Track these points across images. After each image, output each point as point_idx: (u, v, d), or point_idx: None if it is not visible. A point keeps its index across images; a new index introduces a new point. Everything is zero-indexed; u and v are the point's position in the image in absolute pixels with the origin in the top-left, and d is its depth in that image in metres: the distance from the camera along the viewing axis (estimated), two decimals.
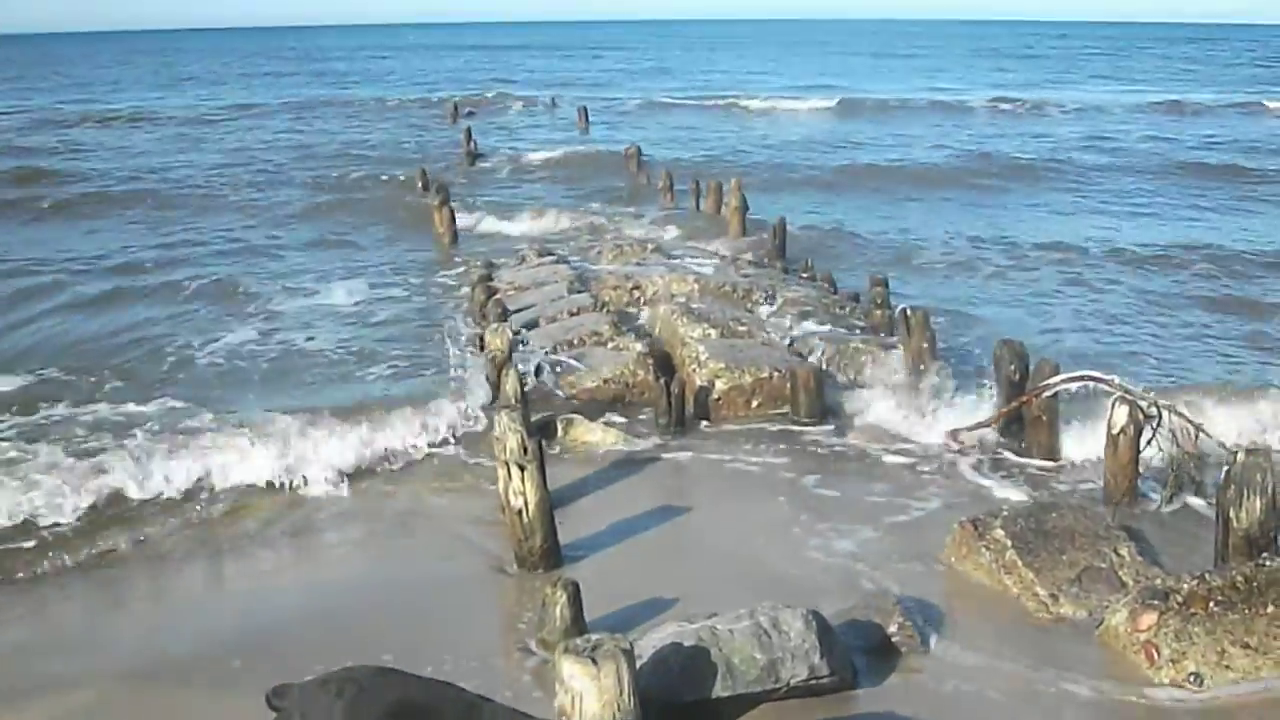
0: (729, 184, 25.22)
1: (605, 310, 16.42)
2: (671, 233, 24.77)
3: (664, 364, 14.28)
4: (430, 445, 12.61)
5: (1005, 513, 9.78)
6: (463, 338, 16.76)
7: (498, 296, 17.14)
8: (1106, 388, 11.46)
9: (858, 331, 15.97)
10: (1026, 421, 12.36)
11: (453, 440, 12.75)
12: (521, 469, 9.45)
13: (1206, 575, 8.25)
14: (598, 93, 67.47)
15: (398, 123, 52.51)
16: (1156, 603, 8.05)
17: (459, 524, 10.81)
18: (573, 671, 5.86)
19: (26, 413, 13.87)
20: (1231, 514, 9.13)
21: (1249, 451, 9.28)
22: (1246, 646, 7.75)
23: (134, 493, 11.12)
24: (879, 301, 16.47)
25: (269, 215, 29.38)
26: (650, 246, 21.54)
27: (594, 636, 6.14)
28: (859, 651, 7.98)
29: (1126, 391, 11.09)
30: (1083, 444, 12.07)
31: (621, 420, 13.38)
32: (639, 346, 14.66)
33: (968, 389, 13.43)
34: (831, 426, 13.15)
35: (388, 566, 10.12)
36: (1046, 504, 10.30)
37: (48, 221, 29.28)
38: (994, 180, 34.03)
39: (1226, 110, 54.98)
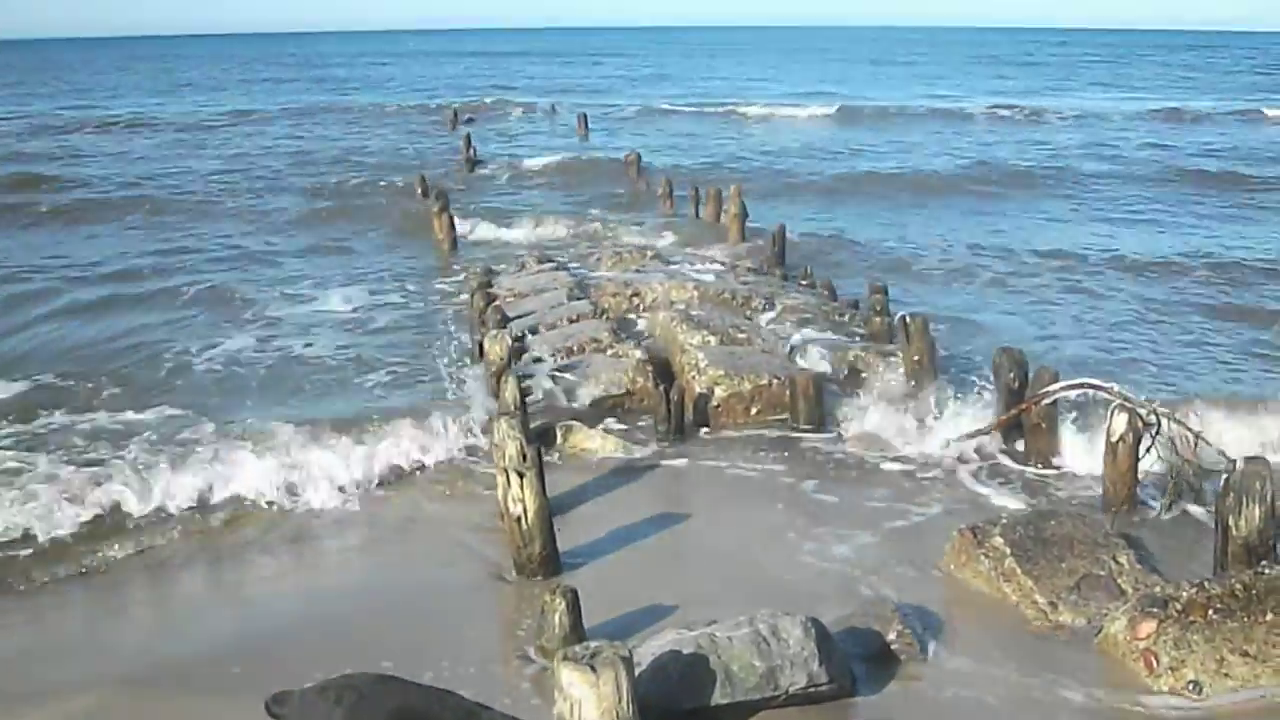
0: (728, 191, 25.27)
1: (605, 317, 16.42)
2: (671, 239, 24.80)
3: (663, 371, 14.28)
4: (431, 463, 12.48)
5: (1004, 520, 9.78)
6: (458, 344, 16.80)
7: (497, 303, 17.13)
8: (1105, 395, 11.46)
9: (857, 339, 15.97)
10: (1026, 429, 12.38)
11: (456, 452, 12.66)
12: (520, 476, 9.45)
13: (1205, 583, 8.26)
14: (597, 99, 67.52)
15: (397, 129, 52.53)
16: (1156, 610, 8.05)
17: (458, 531, 10.80)
18: (571, 679, 5.85)
19: (25, 420, 13.86)
20: (1231, 522, 9.13)
21: (1248, 459, 9.28)
22: (1245, 654, 7.74)
23: (134, 508, 11.04)
24: (878, 309, 16.47)
25: (267, 221, 29.41)
26: (650, 253, 21.55)
27: (593, 644, 6.14)
28: (858, 659, 7.97)
29: (1125, 399, 11.09)
30: (1082, 451, 12.06)
31: (621, 427, 13.37)
32: (638, 353, 14.66)
33: (967, 397, 13.44)
34: (831, 434, 13.14)
35: (387, 573, 10.12)
36: (1045, 511, 10.31)
37: (45, 227, 29.32)
38: (993, 188, 34.04)
39: (1226, 118, 55.03)
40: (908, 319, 14.30)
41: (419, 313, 19.45)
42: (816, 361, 14.81)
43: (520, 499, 9.46)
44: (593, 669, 5.85)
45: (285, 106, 63.71)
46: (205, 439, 12.71)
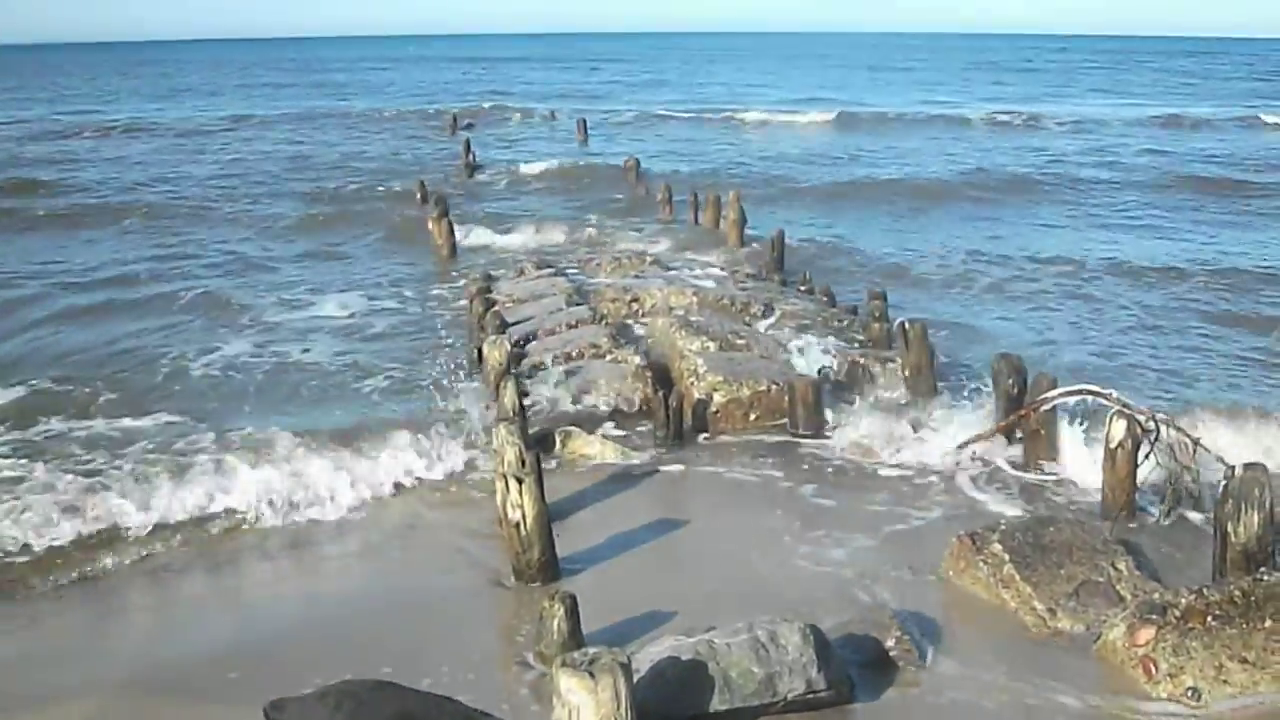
0: (727, 197, 25.29)
1: (604, 323, 16.43)
2: (670, 245, 24.80)
3: (662, 377, 14.28)
4: (431, 476, 12.30)
5: (1003, 526, 9.77)
6: (457, 350, 16.79)
7: (496, 309, 17.14)
8: (1104, 401, 11.47)
9: (856, 345, 15.97)
10: (1025, 435, 12.37)
11: (457, 466, 12.51)
12: (519, 482, 9.45)
13: (1204, 590, 8.25)
14: (596, 105, 67.66)
15: (396, 134, 52.58)
16: (1154, 617, 8.05)
17: (457, 536, 10.80)
18: (570, 685, 5.85)
19: (23, 427, 13.87)
20: (1229, 528, 9.14)
21: (1247, 466, 9.28)
22: (1244, 661, 7.74)
23: (134, 521, 10.93)
24: (877, 315, 16.47)
25: (265, 227, 29.43)
26: (649, 259, 21.59)
27: (591, 650, 6.13)
28: (856, 665, 7.97)
29: (1124, 405, 11.10)
30: (1081, 458, 12.05)
31: (619, 433, 13.37)
32: (637, 359, 14.67)
33: (966, 403, 13.43)
34: (829, 439, 13.13)
35: (386, 579, 10.11)
36: (1044, 518, 10.30)
37: (42, 231, 29.34)
38: (992, 194, 34.09)
39: (1224, 124, 55.10)
40: (907, 325, 14.31)
41: (418, 318, 19.45)
42: (815, 367, 14.79)
43: (519, 505, 9.46)
44: (591, 675, 5.85)
45: (284, 111, 63.76)
46: (204, 448, 12.70)
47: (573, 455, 12.73)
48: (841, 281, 21.12)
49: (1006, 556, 9.26)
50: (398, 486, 12.01)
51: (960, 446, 12.45)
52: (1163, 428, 11.02)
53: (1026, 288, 22.04)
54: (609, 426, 13.49)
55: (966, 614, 9.03)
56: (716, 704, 7.12)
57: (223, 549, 10.75)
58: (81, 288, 22.35)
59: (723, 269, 21.35)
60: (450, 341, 17.64)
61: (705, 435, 13.37)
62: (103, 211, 31.54)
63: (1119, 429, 10.77)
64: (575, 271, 20.67)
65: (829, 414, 13.42)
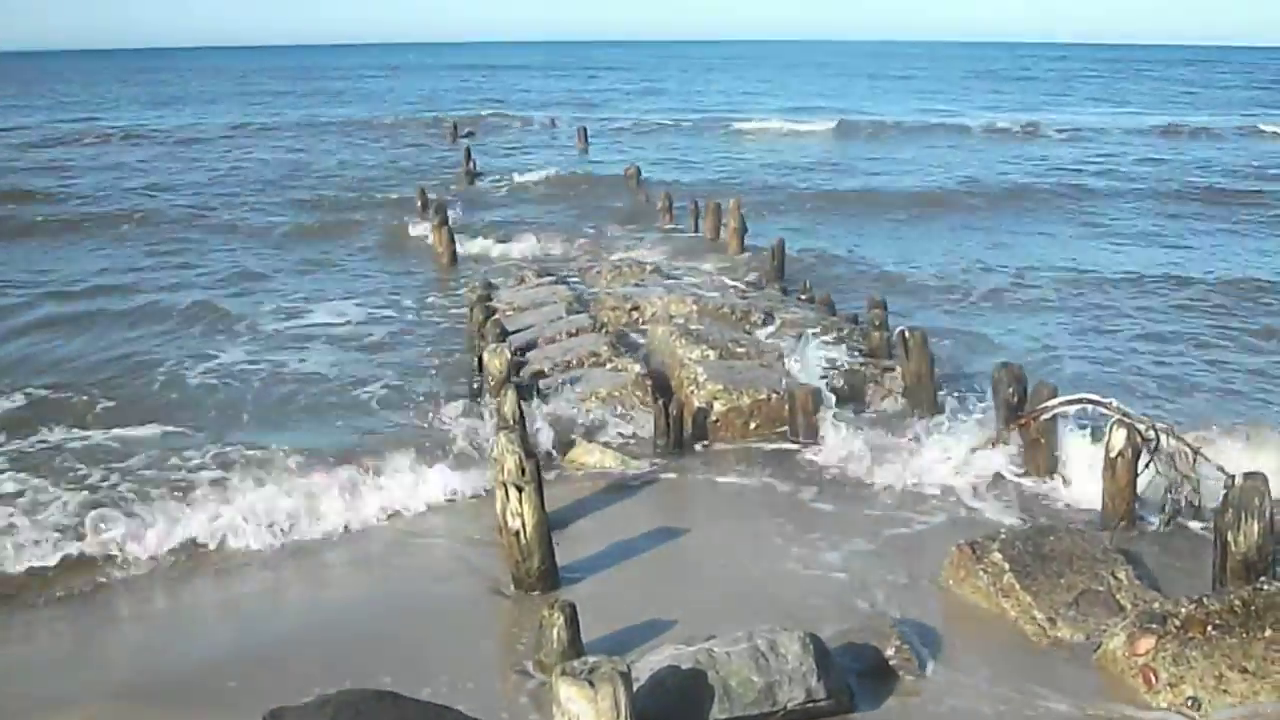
0: (728, 205, 25.31)
1: (604, 331, 16.43)
2: (670, 253, 24.83)
3: (662, 385, 14.28)
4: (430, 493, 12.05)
5: (1003, 535, 9.76)
6: (457, 358, 16.79)
7: (496, 317, 17.15)
8: (1104, 410, 11.46)
9: (857, 354, 15.96)
10: (1025, 444, 12.36)
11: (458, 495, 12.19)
12: (519, 490, 9.44)
13: (1204, 599, 8.25)
14: (597, 113, 67.78)
15: (396, 142, 52.71)
16: (1154, 626, 8.04)
17: (456, 545, 10.79)
18: (569, 694, 5.84)
19: (20, 436, 13.85)
20: (1229, 538, 9.13)
21: (1247, 475, 9.28)
22: (1244, 671, 7.73)
23: (136, 554, 10.69)
24: (877, 323, 16.46)
25: (264, 234, 29.45)
26: (649, 267, 21.60)
27: (591, 659, 6.12)
28: (856, 674, 7.96)
29: (1124, 414, 11.09)
30: (1081, 467, 12.04)
31: (619, 441, 13.35)
32: (637, 367, 14.67)
33: (966, 412, 13.42)
34: (829, 449, 13.11)
35: (385, 587, 10.10)
36: (1044, 527, 10.30)
37: (38, 239, 29.36)
38: (992, 203, 34.14)
39: (1224, 133, 55.18)
40: (907, 333, 14.30)
41: (417, 327, 19.45)
42: (815, 376, 14.78)
43: (519, 513, 9.45)
44: (591, 684, 5.84)
45: (283, 119, 63.85)
46: (203, 464, 12.69)
47: (573, 463, 12.73)
48: (842, 290, 21.13)
49: (1006, 565, 9.25)
50: (394, 511, 11.79)
51: (974, 450, 12.40)
52: (1163, 437, 11.01)
53: (1026, 296, 22.06)
54: (609, 435, 13.46)
55: (966, 623, 9.02)
56: (716, 713, 7.11)
57: (221, 558, 10.73)
58: (78, 295, 22.35)
59: (723, 277, 21.36)
60: (451, 348, 17.63)
61: (705, 444, 13.37)
62: (101, 219, 31.59)
63: (1119, 438, 10.77)
64: (575, 280, 20.69)
65: (829, 423, 13.40)
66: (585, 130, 51.64)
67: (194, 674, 8.38)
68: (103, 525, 10.81)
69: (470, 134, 54.39)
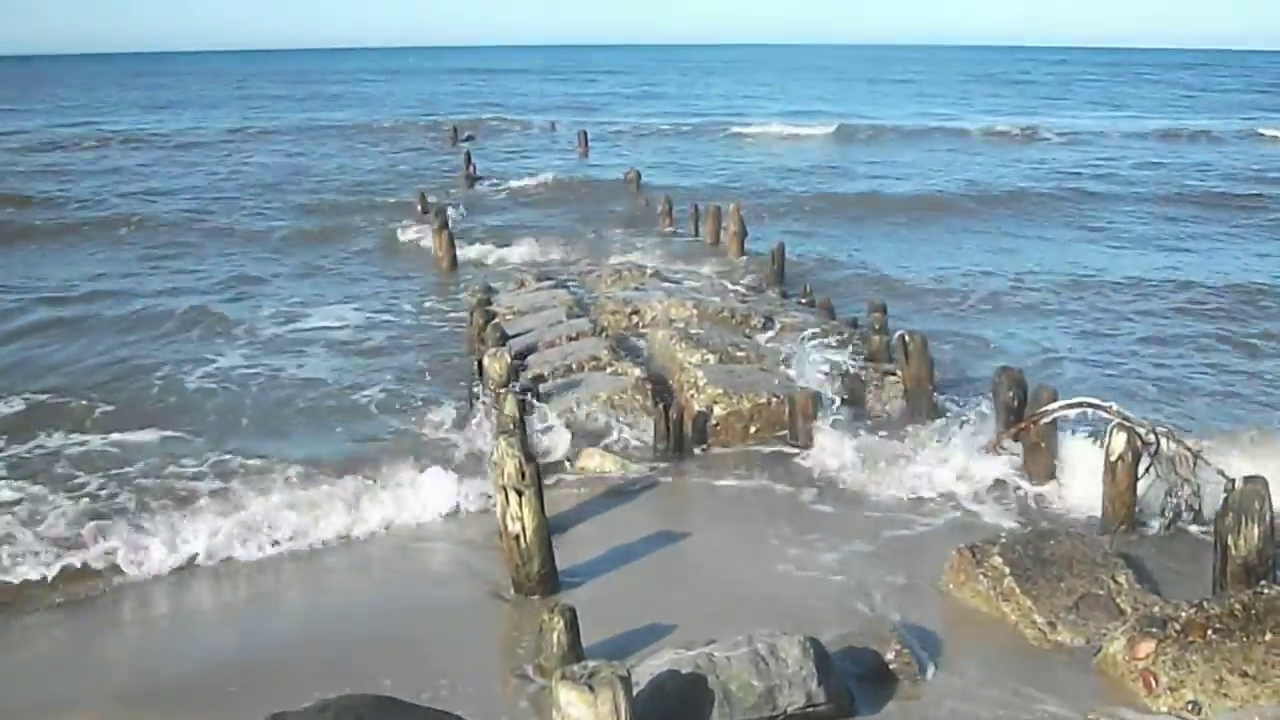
0: (728, 209, 25.32)
1: (604, 335, 16.42)
2: (670, 257, 24.82)
3: (662, 389, 14.27)
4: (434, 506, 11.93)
5: (1003, 539, 9.77)
6: (457, 362, 16.78)
7: (496, 321, 17.14)
8: (1105, 414, 11.46)
9: (857, 358, 15.94)
10: (1025, 448, 12.36)
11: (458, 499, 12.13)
12: (519, 494, 9.44)
13: (1205, 603, 8.25)
14: (597, 117, 67.77)
15: (396, 146, 52.67)
16: (1155, 630, 8.04)
17: (456, 549, 10.80)
18: (569, 699, 5.84)
19: (18, 441, 13.84)
20: (1230, 541, 9.14)
21: (1247, 479, 9.27)
22: (1245, 674, 7.73)
23: (136, 572, 10.57)
24: (877, 327, 16.45)
25: (262, 239, 29.45)
26: (649, 271, 21.57)
27: (591, 663, 6.13)
28: (856, 678, 7.96)
29: (1124, 418, 11.09)
30: (1081, 471, 12.03)
31: (619, 445, 13.34)
32: (637, 371, 14.66)
33: (966, 416, 13.42)
34: (829, 453, 13.09)
35: (385, 591, 10.10)
36: (1044, 531, 10.30)
37: (36, 242, 29.36)
38: (991, 207, 34.13)
39: (1223, 137, 55.19)
40: (906, 337, 14.30)
41: (416, 331, 19.44)
42: (815, 379, 14.77)
43: (519, 517, 9.45)
44: (591, 689, 5.84)
45: (283, 123, 63.87)
46: (202, 473, 12.70)
47: (573, 467, 12.72)
48: (841, 294, 21.14)
49: (1007, 569, 9.25)
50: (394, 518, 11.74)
51: (964, 460, 12.39)
52: (1163, 440, 11.02)
53: (1025, 300, 22.06)
54: (609, 439, 13.45)
55: (966, 627, 9.02)
56: (716, 717, 7.10)
57: (221, 564, 10.71)
58: (75, 299, 22.35)
59: (723, 281, 21.36)
60: (451, 352, 17.62)
61: (705, 448, 13.36)
62: (99, 223, 31.59)
63: (1119, 442, 10.76)
64: (575, 284, 20.68)
65: (829, 427, 13.39)
66: (586, 134, 51.59)
67: (194, 678, 8.39)
68: (103, 538, 10.77)
69: (470, 138, 54.37)
